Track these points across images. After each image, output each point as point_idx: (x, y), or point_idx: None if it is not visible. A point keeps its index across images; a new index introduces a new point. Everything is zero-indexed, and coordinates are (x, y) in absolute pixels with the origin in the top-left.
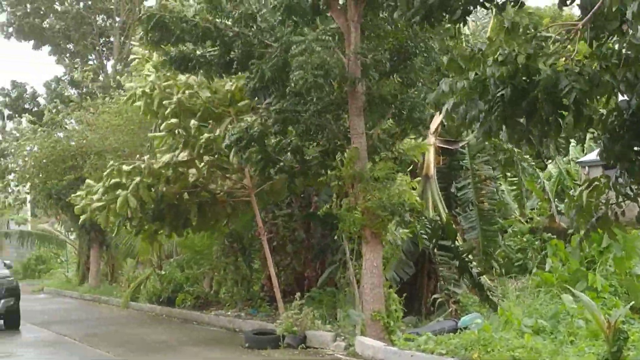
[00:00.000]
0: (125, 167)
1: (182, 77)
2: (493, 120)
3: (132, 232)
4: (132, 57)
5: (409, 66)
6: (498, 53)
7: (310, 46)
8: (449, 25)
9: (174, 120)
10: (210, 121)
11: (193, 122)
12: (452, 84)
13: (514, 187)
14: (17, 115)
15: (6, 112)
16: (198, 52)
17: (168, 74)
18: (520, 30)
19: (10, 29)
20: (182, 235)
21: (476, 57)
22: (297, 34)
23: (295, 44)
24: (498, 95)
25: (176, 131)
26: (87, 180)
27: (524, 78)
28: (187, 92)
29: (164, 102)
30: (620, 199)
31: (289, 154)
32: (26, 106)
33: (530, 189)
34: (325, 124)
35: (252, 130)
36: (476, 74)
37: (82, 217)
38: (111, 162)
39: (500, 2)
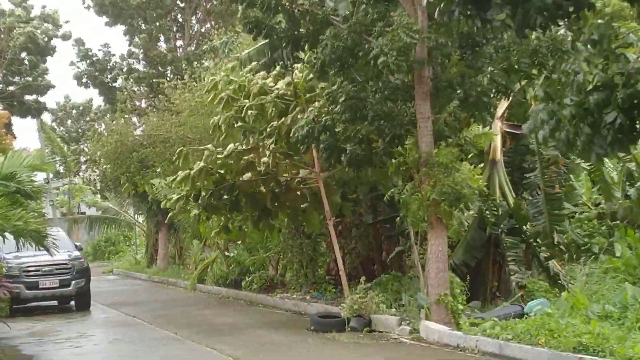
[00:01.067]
0: (190, 155)
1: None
2: (602, 143)
3: (218, 229)
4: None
5: (477, 53)
6: (595, 80)
7: (392, 26)
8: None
9: (229, 113)
10: (273, 109)
11: (250, 112)
12: (550, 111)
13: (597, 174)
14: (91, 86)
15: (84, 79)
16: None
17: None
18: (605, 43)
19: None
20: (271, 229)
21: (568, 83)
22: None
23: (377, 25)
24: (608, 123)
25: (233, 124)
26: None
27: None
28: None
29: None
30: None
31: (355, 144)
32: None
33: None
34: (392, 110)
35: (323, 117)
36: (572, 99)
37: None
38: (180, 149)
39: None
